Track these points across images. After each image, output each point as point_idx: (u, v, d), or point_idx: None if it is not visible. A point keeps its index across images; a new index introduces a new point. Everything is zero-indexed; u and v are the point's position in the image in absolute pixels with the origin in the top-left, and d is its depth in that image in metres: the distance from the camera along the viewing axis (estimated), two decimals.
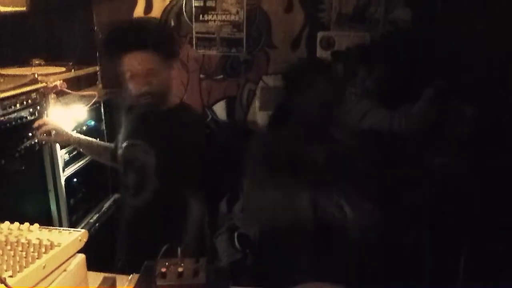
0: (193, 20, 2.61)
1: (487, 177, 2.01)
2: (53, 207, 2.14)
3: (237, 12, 2.58)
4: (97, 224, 2.43)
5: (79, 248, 1.15)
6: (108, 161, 2.06)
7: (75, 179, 2.28)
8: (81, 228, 2.27)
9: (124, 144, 1.82)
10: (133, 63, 1.65)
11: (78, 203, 2.32)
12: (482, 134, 2.10)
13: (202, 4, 2.59)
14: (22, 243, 1.06)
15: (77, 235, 1.14)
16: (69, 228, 1.19)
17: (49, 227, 1.17)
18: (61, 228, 1.18)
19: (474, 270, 2.17)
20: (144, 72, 1.65)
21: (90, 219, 2.43)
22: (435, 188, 2.09)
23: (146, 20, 2.50)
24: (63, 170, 2.16)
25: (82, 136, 2.02)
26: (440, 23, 2.47)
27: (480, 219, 2.00)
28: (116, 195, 2.66)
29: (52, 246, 1.06)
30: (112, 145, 2.03)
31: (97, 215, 2.48)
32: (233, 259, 2.76)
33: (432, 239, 2.11)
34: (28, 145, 1.93)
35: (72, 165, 2.24)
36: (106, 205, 2.60)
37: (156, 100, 1.73)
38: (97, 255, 1.29)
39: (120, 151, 1.85)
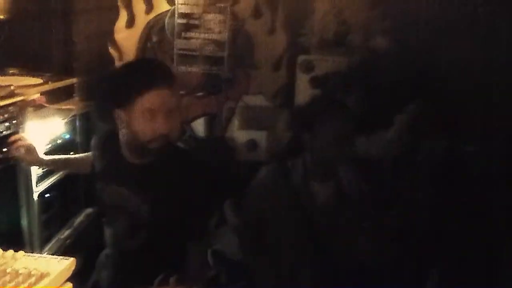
0: (175, 36, 2.61)
1: (458, 207, 2.11)
2: (24, 223, 2.06)
3: (220, 32, 2.60)
4: (68, 241, 2.36)
5: (67, 277, 1.12)
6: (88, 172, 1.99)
7: (48, 194, 2.21)
8: (52, 245, 2.25)
9: (110, 188, 1.71)
10: (157, 100, 1.49)
11: (51, 219, 2.25)
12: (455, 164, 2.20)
13: (185, 21, 2.59)
14: (10, 273, 1.02)
15: (66, 264, 1.11)
16: (56, 256, 1.15)
17: (34, 254, 1.14)
18: (47, 256, 1.15)
19: None
20: (167, 111, 1.51)
21: (61, 235, 2.35)
22: (409, 212, 2.16)
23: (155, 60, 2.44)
24: (36, 185, 2.09)
25: (56, 156, 1.96)
26: (418, 51, 2.58)
27: (450, 245, 2.08)
28: (88, 210, 2.59)
29: (42, 276, 1.03)
30: (89, 155, 1.96)
31: (69, 231, 2.41)
32: (206, 275, 2.74)
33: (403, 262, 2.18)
34: (1, 160, 1.86)
35: (45, 180, 2.17)
36: (78, 220, 2.52)
37: (167, 145, 1.58)
38: None
39: (101, 188, 1.75)
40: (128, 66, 1.74)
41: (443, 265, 2.08)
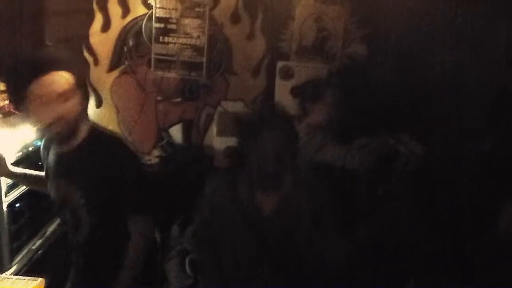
0: (153, 41, 2.56)
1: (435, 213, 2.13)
2: None
3: (199, 37, 2.56)
4: (39, 252, 2.28)
5: None
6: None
7: (18, 204, 2.13)
8: (23, 256, 2.17)
9: (49, 182, 1.72)
10: (42, 86, 1.49)
11: (21, 229, 2.17)
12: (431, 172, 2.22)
13: (162, 26, 2.54)
14: None
15: (35, 285, 1.06)
16: (23, 277, 1.11)
17: (1, 275, 1.09)
18: (14, 276, 1.10)
19: None
20: (54, 97, 1.50)
21: (33, 245, 2.27)
22: (386, 221, 2.17)
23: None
24: (5, 195, 2.01)
25: (27, 171, 1.90)
26: (394, 58, 2.60)
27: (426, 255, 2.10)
28: None
29: None
30: None
31: (40, 240, 2.33)
32: (184, 284, 2.70)
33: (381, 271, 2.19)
34: None
35: (15, 189, 2.09)
36: (51, 229, 2.44)
37: (66, 131, 1.58)
38: None
39: (51, 188, 1.74)
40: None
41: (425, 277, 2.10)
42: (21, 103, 1.55)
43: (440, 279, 2.14)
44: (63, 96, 1.51)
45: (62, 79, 1.52)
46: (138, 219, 1.68)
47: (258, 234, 1.73)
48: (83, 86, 1.65)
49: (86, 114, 1.66)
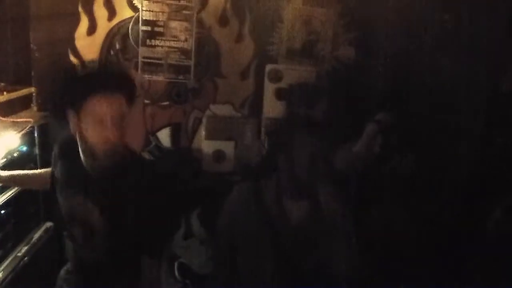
0: (140, 44, 2.53)
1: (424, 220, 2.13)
2: None
3: (186, 40, 2.54)
4: (26, 258, 2.25)
5: None
6: (47, 188, 1.91)
7: (3, 211, 2.10)
8: (9, 263, 2.14)
9: (70, 197, 1.69)
10: (102, 106, 1.48)
11: (7, 236, 2.14)
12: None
13: (149, 28, 2.51)
14: None
15: None
16: None
17: None
18: None
19: None
20: (114, 119, 1.49)
21: (18, 252, 2.24)
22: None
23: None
24: None
25: (14, 172, 1.87)
26: (383, 61, 2.60)
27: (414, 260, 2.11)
28: (48, 224, 2.49)
29: None
30: (48, 171, 1.89)
31: (27, 247, 2.30)
32: None
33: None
34: None
35: (1, 195, 2.07)
36: (37, 235, 2.41)
37: (120, 154, 1.55)
38: None
39: (62, 199, 1.72)
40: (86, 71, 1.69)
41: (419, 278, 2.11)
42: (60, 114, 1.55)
43: (430, 282, 2.16)
44: (121, 118, 1.51)
45: (121, 101, 1.52)
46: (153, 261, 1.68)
47: (282, 242, 1.72)
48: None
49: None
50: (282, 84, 2.61)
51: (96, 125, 1.50)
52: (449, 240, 2.22)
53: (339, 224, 1.73)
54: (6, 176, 1.85)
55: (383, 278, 2.12)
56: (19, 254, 2.24)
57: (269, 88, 2.62)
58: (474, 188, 2.18)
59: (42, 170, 2.01)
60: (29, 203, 2.34)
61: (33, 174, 2.00)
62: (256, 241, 1.73)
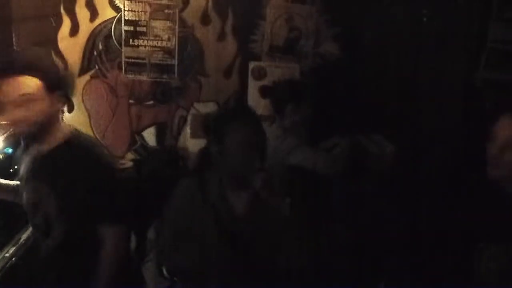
0: (123, 44, 2.54)
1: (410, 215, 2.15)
2: None
3: (169, 39, 2.55)
4: (13, 259, 2.27)
5: None
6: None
7: None
8: None
9: (22, 185, 1.73)
10: (6, 87, 1.52)
11: None
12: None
13: (132, 28, 2.52)
14: None
15: None
16: None
17: None
18: None
19: None
20: (17, 99, 1.52)
21: (6, 253, 2.27)
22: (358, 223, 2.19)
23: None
24: None
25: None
26: (367, 57, 2.60)
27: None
28: None
29: None
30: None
31: (14, 248, 2.32)
32: (160, 287, 2.71)
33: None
34: None
35: None
36: (24, 236, 2.43)
37: (35, 134, 1.60)
38: None
39: (20, 190, 1.75)
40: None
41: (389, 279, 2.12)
42: None
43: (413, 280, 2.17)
44: (27, 98, 1.52)
45: (29, 81, 1.53)
46: (111, 228, 1.67)
47: (229, 234, 1.73)
48: (57, 90, 1.62)
49: (61, 118, 1.66)
50: (266, 82, 2.62)
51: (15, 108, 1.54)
52: (434, 238, 2.24)
53: (284, 215, 1.73)
54: None
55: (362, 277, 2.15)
56: (6, 255, 2.26)
57: (253, 86, 2.63)
58: (452, 182, 2.20)
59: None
60: (16, 204, 2.36)
61: (15, 185, 2.00)
62: (202, 233, 1.73)
